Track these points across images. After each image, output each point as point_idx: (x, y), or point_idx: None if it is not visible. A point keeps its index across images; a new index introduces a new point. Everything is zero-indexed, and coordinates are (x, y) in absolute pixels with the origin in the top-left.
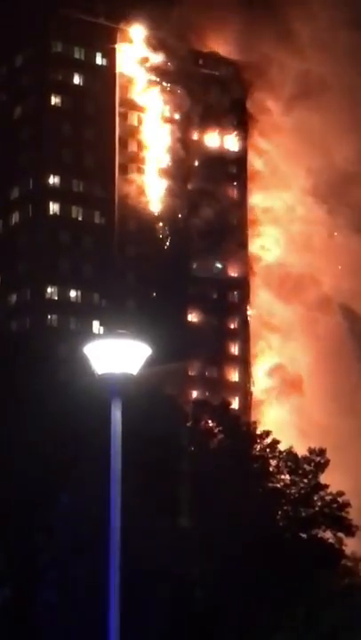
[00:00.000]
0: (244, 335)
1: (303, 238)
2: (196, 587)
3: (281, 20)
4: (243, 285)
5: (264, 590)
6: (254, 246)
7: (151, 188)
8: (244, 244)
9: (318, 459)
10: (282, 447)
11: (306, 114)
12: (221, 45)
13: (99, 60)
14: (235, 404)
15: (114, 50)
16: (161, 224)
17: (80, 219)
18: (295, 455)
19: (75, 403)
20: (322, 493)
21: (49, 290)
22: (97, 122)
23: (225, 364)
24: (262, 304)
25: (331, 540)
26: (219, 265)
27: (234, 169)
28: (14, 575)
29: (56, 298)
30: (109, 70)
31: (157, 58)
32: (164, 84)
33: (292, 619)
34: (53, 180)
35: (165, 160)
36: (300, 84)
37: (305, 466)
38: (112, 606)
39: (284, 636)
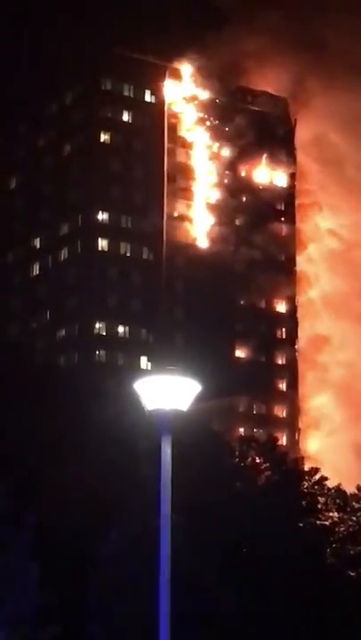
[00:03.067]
0: (291, 371)
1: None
2: (244, 625)
3: (327, 57)
4: (290, 320)
5: (316, 630)
6: (302, 283)
7: (199, 223)
8: (292, 279)
9: None
10: (331, 484)
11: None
12: (269, 82)
13: (147, 97)
14: (282, 439)
15: (162, 87)
16: (208, 260)
17: (128, 254)
18: (344, 492)
19: (123, 439)
20: None
21: (97, 325)
22: (145, 158)
23: (273, 400)
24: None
25: None
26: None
27: (282, 205)
28: (63, 612)
29: (104, 333)
30: (158, 107)
31: (205, 95)
32: (212, 120)
33: None
34: (102, 216)
35: (214, 196)
36: (346, 119)
37: (353, 503)
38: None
39: None
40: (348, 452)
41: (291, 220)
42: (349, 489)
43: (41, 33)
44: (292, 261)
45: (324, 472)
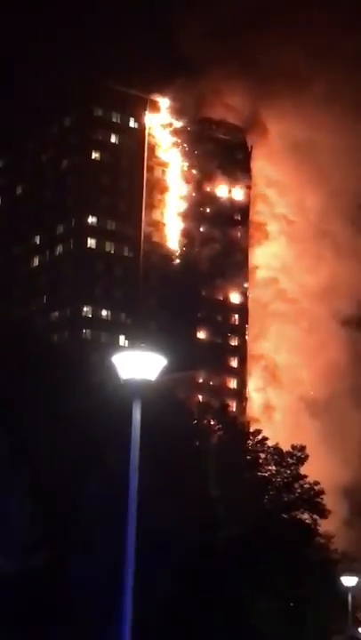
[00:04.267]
0: (242, 351)
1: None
2: (197, 556)
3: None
4: (243, 310)
5: (252, 562)
6: (253, 280)
7: (171, 228)
8: (245, 277)
9: (299, 453)
10: (270, 443)
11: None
12: (231, 113)
13: (132, 123)
14: (233, 406)
15: (144, 115)
16: (178, 259)
17: (112, 252)
18: (281, 450)
19: (103, 403)
20: (301, 482)
21: (85, 309)
22: (129, 174)
23: (226, 374)
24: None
25: (308, 521)
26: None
27: (239, 215)
28: (51, 543)
29: (90, 316)
30: (140, 132)
31: (178, 123)
32: (184, 144)
33: (275, 585)
34: (92, 219)
35: (183, 206)
36: (295, 147)
37: (288, 459)
38: (128, 569)
39: (270, 599)
40: (285, 415)
41: (245, 227)
42: (285, 447)
43: (47, 68)
44: (245, 261)
45: (264, 433)
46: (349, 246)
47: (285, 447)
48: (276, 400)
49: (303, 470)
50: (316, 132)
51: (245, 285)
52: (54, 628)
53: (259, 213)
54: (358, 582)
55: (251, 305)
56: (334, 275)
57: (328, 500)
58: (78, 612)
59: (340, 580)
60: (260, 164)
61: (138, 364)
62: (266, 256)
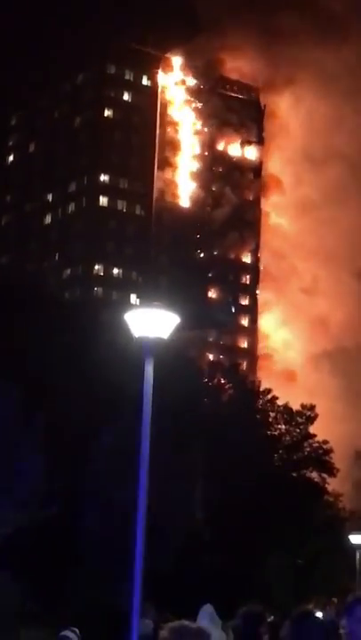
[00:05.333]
0: (253, 310)
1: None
2: (204, 513)
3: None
4: (254, 270)
5: (263, 519)
6: (265, 239)
7: (183, 187)
8: (257, 236)
9: (309, 413)
10: (280, 402)
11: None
12: (245, 71)
13: (145, 81)
14: (243, 365)
15: (157, 73)
16: (189, 217)
17: (124, 210)
18: (290, 409)
19: (114, 360)
20: (310, 441)
21: (96, 267)
22: (141, 132)
23: (237, 333)
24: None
25: (316, 480)
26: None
27: (251, 175)
28: (63, 497)
29: (102, 274)
30: (153, 90)
31: (192, 81)
32: (197, 102)
33: (284, 543)
34: (104, 177)
35: (195, 165)
36: (309, 110)
37: (298, 418)
38: (140, 524)
39: (278, 557)
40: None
41: (258, 187)
42: (295, 406)
43: (60, 25)
44: (257, 222)
45: (274, 393)
46: None
47: (295, 406)
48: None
49: (313, 429)
50: (331, 96)
51: (258, 244)
52: (68, 579)
53: (272, 171)
54: None
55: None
56: (350, 233)
57: (336, 459)
58: (92, 563)
59: (348, 538)
60: (274, 124)
61: (151, 322)
62: (279, 215)
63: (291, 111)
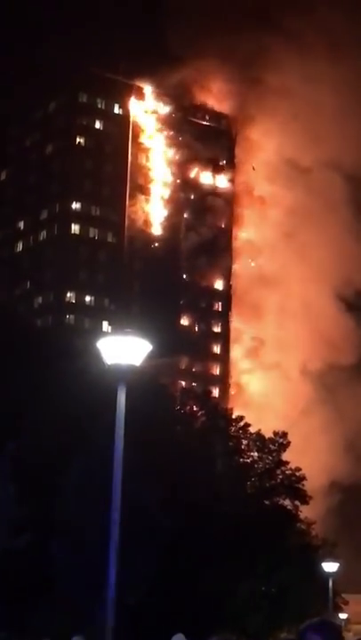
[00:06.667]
0: (225, 337)
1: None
2: (179, 541)
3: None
4: (226, 297)
5: (235, 546)
6: (237, 265)
7: (155, 214)
8: (228, 263)
9: (281, 440)
10: (252, 429)
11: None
12: (216, 100)
13: (116, 109)
14: (215, 392)
15: (128, 102)
16: (160, 244)
17: (96, 238)
18: (263, 436)
19: (86, 388)
20: (283, 468)
21: (68, 294)
22: (113, 159)
23: (209, 360)
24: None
25: (289, 507)
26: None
27: (222, 202)
28: (34, 525)
29: (74, 301)
30: (124, 118)
31: (163, 110)
32: (168, 131)
33: (256, 571)
34: (75, 205)
35: (167, 192)
36: (279, 136)
37: (270, 445)
38: (112, 553)
39: (250, 584)
40: (266, 402)
41: (229, 214)
42: (267, 433)
43: (32, 53)
44: (229, 249)
45: (247, 419)
46: (339, 229)
47: (268, 433)
48: (263, 382)
49: (285, 457)
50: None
51: (229, 270)
52: (38, 608)
53: (242, 200)
54: (339, 568)
55: (239, 284)
56: (321, 259)
57: (309, 487)
58: (62, 592)
59: (320, 566)
60: (244, 151)
61: (123, 349)
62: (250, 241)
63: (262, 137)
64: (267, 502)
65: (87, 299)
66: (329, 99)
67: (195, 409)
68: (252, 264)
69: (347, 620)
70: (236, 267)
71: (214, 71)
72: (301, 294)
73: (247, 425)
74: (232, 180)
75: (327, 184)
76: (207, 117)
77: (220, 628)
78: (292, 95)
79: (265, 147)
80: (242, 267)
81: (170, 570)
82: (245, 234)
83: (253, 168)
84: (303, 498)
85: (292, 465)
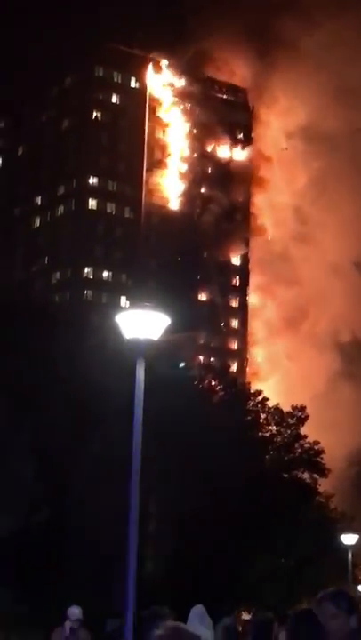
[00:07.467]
0: (243, 312)
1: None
2: (197, 515)
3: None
4: (244, 271)
5: (254, 520)
6: (255, 240)
7: (172, 189)
8: (246, 238)
9: (300, 414)
10: (271, 403)
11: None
12: (234, 74)
13: (133, 83)
14: (233, 367)
15: (145, 75)
16: (178, 219)
17: (113, 213)
18: (281, 410)
19: (105, 363)
20: (302, 442)
21: (86, 270)
22: (130, 134)
23: (227, 336)
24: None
25: (308, 480)
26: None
27: (240, 176)
28: (50, 501)
29: (91, 277)
30: (141, 92)
31: (180, 83)
32: (185, 104)
33: (275, 545)
34: (92, 180)
35: (184, 167)
36: (297, 111)
37: (288, 419)
38: (131, 534)
39: (268, 559)
40: (285, 377)
41: (247, 188)
42: (285, 407)
43: (47, 28)
44: (247, 224)
45: (265, 394)
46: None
47: (286, 407)
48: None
49: (304, 430)
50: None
51: (247, 244)
52: (56, 584)
53: (261, 172)
54: (358, 540)
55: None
56: (341, 231)
57: (327, 460)
58: (80, 568)
59: (339, 539)
60: (263, 125)
61: (141, 324)
62: (268, 216)
63: (280, 111)
64: (285, 475)
65: (105, 274)
66: (348, 67)
67: (213, 383)
68: (270, 237)
69: None
70: (253, 240)
71: (231, 43)
72: (327, 262)
73: (265, 399)
74: (250, 153)
75: (353, 151)
76: (224, 90)
77: (238, 601)
78: (310, 64)
79: (283, 118)
80: (260, 240)
81: (187, 543)
82: (264, 206)
83: (285, 148)
84: (322, 471)
85: (312, 438)
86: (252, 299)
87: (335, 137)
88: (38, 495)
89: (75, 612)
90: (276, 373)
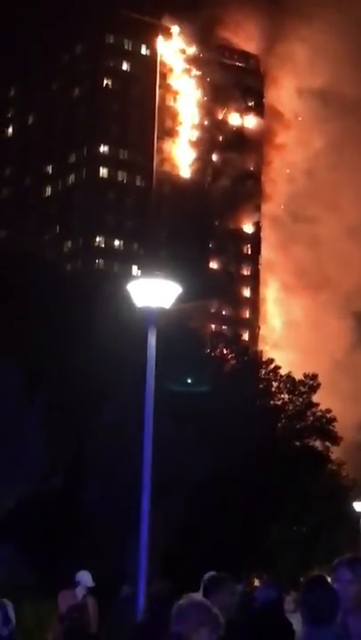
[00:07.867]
0: (254, 281)
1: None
2: (209, 483)
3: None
4: (255, 239)
5: (266, 488)
6: (266, 207)
7: (183, 157)
8: (258, 205)
9: (312, 382)
10: (282, 372)
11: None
12: (245, 40)
13: (143, 50)
14: (245, 336)
15: (156, 42)
16: (189, 187)
17: (124, 181)
18: (293, 378)
19: (117, 331)
20: (314, 410)
21: (97, 239)
22: (140, 102)
23: (238, 304)
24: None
25: (320, 448)
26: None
27: (251, 143)
28: (64, 469)
29: (103, 246)
30: (152, 59)
31: (191, 50)
32: (196, 71)
33: (287, 513)
34: (103, 148)
35: (195, 134)
36: (308, 76)
37: (300, 387)
38: (144, 496)
39: (280, 527)
40: (297, 347)
41: (259, 155)
42: (298, 375)
43: None
44: (259, 192)
45: (278, 362)
46: None
47: (298, 375)
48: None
49: (315, 398)
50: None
51: (259, 212)
52: (70, 550)
53: (272, 139)
54: None
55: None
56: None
57: (339, 428)
58: (93, 534)
59: (351, 506)
60: (276, 89)
61: (153, 292)
62: (280, 183)
63: (294, 75)
64: (297, 443)
65: (116, 243)
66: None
67: (225, 352)
68: (282, 207)
69: None
70: (265, 207)
71: (242, 9)
72: (345, 226)
73: (277, 367)
74: (261, 121)
75: None
76: (236, 57)
77: (251, 569)
78: (322, 30)
79: (297, 82)
80: (271, 208)
81: (200, 511)
82: (276, 175)
83: (299, 118)
84: (334, 439)
85: (324, 406)
86: (265, 262)
87: (350, 101)
88: (53, 461)
89: (86, 578)
90: (291, 340)
